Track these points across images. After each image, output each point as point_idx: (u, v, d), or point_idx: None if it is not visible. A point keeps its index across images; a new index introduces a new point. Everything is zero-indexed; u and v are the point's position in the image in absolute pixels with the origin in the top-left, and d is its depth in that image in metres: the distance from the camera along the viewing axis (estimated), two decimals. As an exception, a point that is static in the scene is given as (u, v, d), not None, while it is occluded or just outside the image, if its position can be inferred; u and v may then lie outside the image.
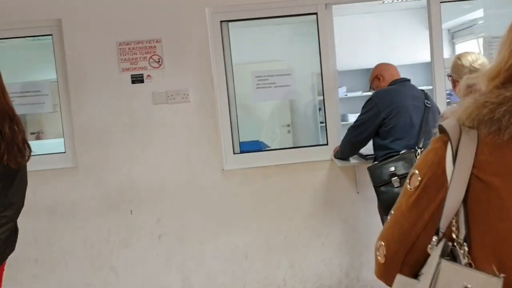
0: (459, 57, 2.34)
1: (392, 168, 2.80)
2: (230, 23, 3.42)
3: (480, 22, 5.06)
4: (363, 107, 3.00)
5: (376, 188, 2.88)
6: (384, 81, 3.09)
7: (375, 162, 2.95)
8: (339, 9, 3.34)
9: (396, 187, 2.77)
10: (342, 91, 5.57)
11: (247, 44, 5.13)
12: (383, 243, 1.02)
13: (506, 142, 0.86)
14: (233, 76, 3.52)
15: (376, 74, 3.15)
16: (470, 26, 5.47)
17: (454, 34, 6.03)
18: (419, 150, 2.80)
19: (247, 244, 3.42)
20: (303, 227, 3.42)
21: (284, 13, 3.31)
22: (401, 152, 2.83)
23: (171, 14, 3.24)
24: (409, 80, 3.10)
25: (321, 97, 3.51)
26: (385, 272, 1.03)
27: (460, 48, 5.96)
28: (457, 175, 0.88)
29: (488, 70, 0.96)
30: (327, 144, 3.40)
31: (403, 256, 0.98)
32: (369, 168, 2.93)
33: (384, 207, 2.86)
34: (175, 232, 3.38)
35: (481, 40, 5.14)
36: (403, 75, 3.19)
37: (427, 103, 2.94)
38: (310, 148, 3.51)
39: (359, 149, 3.10)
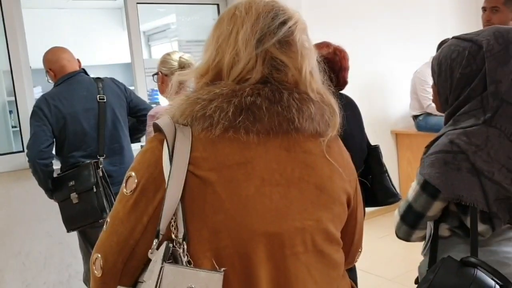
0: (168, 53, 2.38)
1: (72, 183, 2.49)
2: None
3: (173, 26, 5.40)
4: (30, 116, 2.53)
5: (59, 203, 2.57)
6: (56, 76, 2.63)
7: (55, 175, 2.59)
8: (25, 1, 2.95)
9: (75, 203, 2.47)
10: (37, 91, 5.09)
11: None
12: (99, 255, 0.94)
13: (218, 137, 0.89)
14: None
15: (46, 69, 2.67)
16: (164, 30, 5.78)
17: (150, 37, 6.27)
18: (100, 159, 2.57)
19: None
20: (-1, 249, 2.96)
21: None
22: (80, 163, 2.52)
23: None
24: (81, 72, 2.67)
25: (12, 98, 3.09)
26: (103, 286, 0.95)
27: (156, 50, 6.25)
28: (174, 174, 0.87)
29: (197, 67, 0.99)
30: (23, 151, 3.02)
31: (122, 266, 0.92)
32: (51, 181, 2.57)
33: (65, 225, 2.56)
34: None
35: (174, 44, 5.50)
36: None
37: (100, 98, 2.59)
38: (4, 157, 3.05)
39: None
